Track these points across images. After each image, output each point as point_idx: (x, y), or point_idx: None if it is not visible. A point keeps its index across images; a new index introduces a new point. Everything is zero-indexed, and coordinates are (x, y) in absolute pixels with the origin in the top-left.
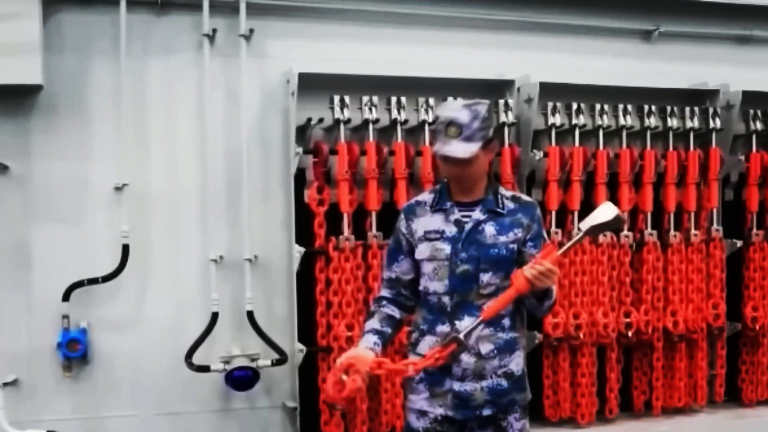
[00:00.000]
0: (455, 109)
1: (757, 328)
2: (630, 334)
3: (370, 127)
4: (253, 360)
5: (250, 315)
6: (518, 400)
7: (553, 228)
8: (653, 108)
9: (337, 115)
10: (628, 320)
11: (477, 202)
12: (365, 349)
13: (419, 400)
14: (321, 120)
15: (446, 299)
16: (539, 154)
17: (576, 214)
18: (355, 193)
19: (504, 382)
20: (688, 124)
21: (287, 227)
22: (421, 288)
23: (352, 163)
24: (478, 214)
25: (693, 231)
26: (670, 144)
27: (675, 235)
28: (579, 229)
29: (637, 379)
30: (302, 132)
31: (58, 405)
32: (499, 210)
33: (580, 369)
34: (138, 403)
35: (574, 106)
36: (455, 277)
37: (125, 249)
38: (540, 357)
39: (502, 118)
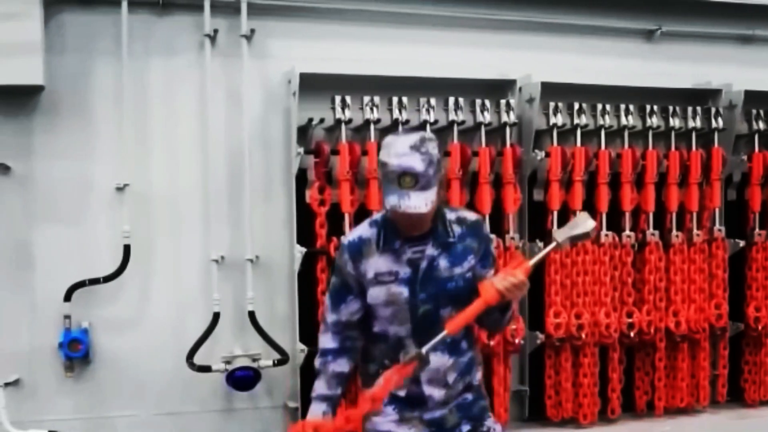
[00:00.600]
0: (405, 154)
1: (760, 328)
2: (632, 334)
3: (372, 127)
4: (254, 360)
5: (252, 315)
6: (484, 403)
7: (555, 228)
8: (655, 108)
9: (339, 115)
10: (630, 320)
11: (426, 236)
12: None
13: (386, 422)
14: (322, 120)
15: (409, 341)
16: (541, 154)
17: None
18: (357, 194)
19: (468, 395)
20: (690, 124)
21: (288, 227)
22: (377, 330)
23: (354, 163)
24: (431, 250)
25: (695, 231)
26: (672, 144)
27: (677, 235)
28: (554, 239)
29: (639, 380)
30: (304, 132)
31: (59, 405)
32: (450, 240)
33: (582, 369)
34: (139, 403)
35: (576, 106)
36: (417, 319)
37: (126, 249)
38: (542, 357)
39: (504, 118)
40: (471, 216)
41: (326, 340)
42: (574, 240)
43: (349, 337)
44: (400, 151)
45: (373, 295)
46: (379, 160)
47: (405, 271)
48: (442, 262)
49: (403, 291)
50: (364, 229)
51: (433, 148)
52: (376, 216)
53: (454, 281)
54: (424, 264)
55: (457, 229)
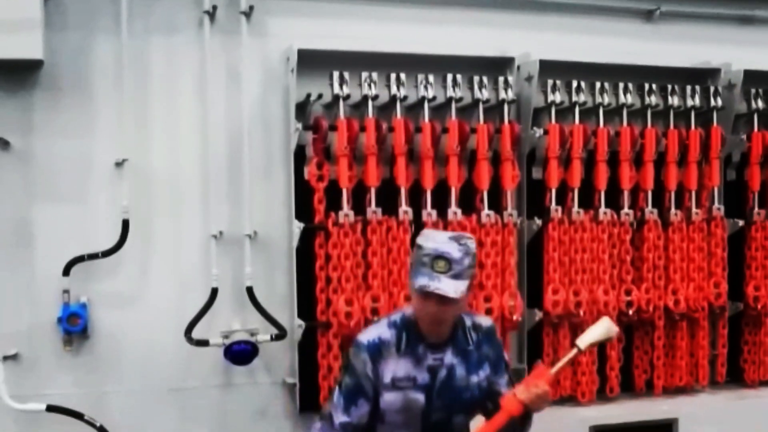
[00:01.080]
0: (443, 242)
1: (759, 307)
2: (631, 312)
3: (370, 103)
4: (252, 335)
5: (250, 291)
6: None
7: (553, 206)
8: (654, 87)
9: (337, 91)
10: (629, 298)
11: (447, 342)
12: None
13: None
14: (320, 96)
15: None
16: (539, 132)
17: (576, 191)
18: (355, 170)
19: None
20: (689, 102)
21: (287, 203)
22: None
23: (352, 139)
24: (450, 358)
25: (694, 209)
26: (671, 122)
27: (676, 214)
28: (576, 346)
29: (638, 358)
30: (302, 109)
31: (58, 380)
32: (469, 348)
33: None
34: (138, 379)
35: (575, 84)
36: (428, 427)
37: (125, 224)
38: (540, 335)
39: (502, 95)
40: (485, 322)
41: None
42: (596, 345)
43: None
44: (438, 239)
45: (388, 400)
46: (416, 243)
47: (423, 378)
48: (459, 371)
49: (420, 398)
50: (383, 330)
51: (471, 243)
52: (394, 317)
53: (470, 390)
54: (443, 372)
55: (473, 336)
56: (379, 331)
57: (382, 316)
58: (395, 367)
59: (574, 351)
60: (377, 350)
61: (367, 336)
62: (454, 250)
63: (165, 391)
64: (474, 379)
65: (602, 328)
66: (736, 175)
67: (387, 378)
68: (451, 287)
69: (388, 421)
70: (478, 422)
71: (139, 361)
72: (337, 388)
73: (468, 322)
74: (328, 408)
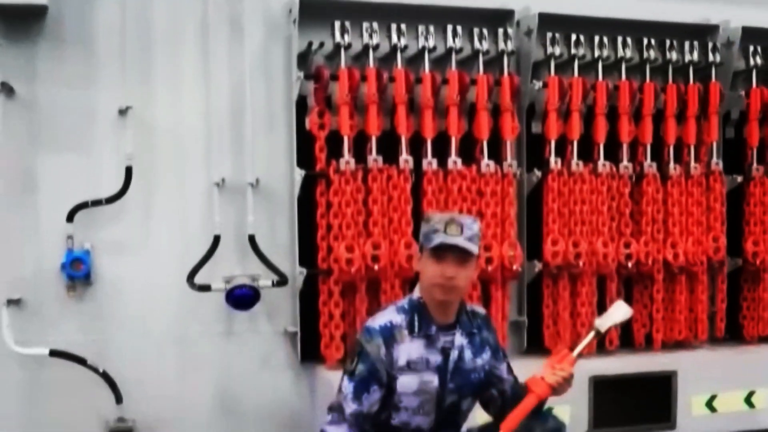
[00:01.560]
0: (452, 213)
1: (758, 262)
2: (630, 265)
3: (371, 53)
4: (254, 280)
5: (252, 239)
6: None
7: (553, 157)
8: (652, 41)
9: (338, 40)
10: (628, 251)
11: (455, 324)
12: None
13: None
14: (322, 45)
15: (429, 427)
16: (539, 85)
17: (575, 144)
18: (356, 119)
19: None
20: (688, 58)
21: (289, 152)
22: (396, 422)
23: (353, 88)
24: (459, 339)
25: (693, 164)
26: (670, 77)
27: (675, 168)
28: (596, 329)
29: (637, 312)
30: (304, 59)
31: (62, 326)
32: (473, 331)
33: (580, 298)
34: (141, 326)
35: (573, 37)
36: (442, 410)
37: (128, 171)
38: (540, 288)
39: (501, 46)
40: (481, 310)
41: (343, 431)
42: (612, 326)
43: (365, 431)
44: (447, 213)
45: (404, 383)
46: (424, 219)
47: (436, 359)
48: (467, 353)
49: (434, 380)
50: (392, 315)
51: (477, 221)
52: (401, 303)
53: (477, 373)
54: (455, 354)
55: (474, 321)
56: (388, 316)
57: (387, 304)
58: (409, 350)
59: (593, 333)
60: (390, 334)
61: (378, 321)
62: (464, 218)
63: (167, 339)
64: (479, 361)
65: (620, 312)
66: (735, 133)
67: (402, 361)
68: (467, 244)
69: (404, 406)
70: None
71: (142, 309)
72: (346, 377)
73: (468, 309)
74: (336, 399)
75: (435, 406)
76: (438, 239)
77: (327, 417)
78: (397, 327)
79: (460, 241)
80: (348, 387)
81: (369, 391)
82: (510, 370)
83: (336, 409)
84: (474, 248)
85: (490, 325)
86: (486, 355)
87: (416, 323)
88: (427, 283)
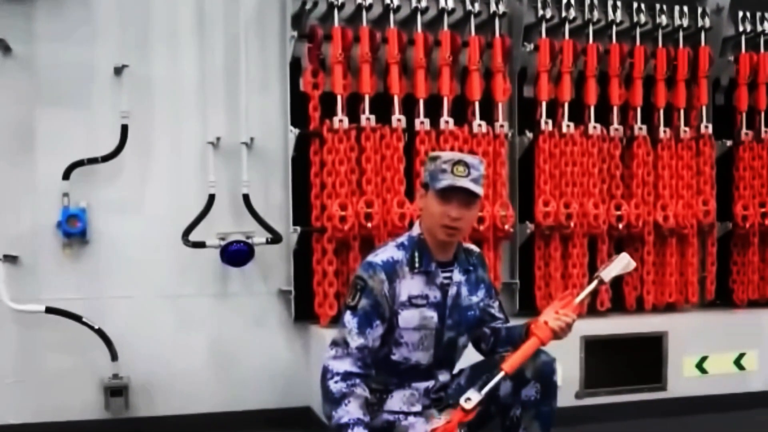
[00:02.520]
0: (458, 153)
1: (747, 226)
2: (620, 226)
3: (364, 13)
4: (248, 237)
5: (246, 198)
6: None
7: (544, 119)
8: (643, 5)
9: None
10: (618, 213)
11: (452, 262)
12: None
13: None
14: (315, 4)
15: (428, 368)
16: (530, 47)
17: (566, 106)
18: (349, 79)
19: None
20: (678, 22)
21: (283, 112)
22: (396, 358)
23: (346, 47)
24: (457, 276)
25: (683, 128)
26: (660, 41)
27: (665, 131)
28: (600, 277)
29: (628, 275)
30: (297, 20)
31: (58, 284)
32: (470, 268)
33: (572, 260)
34: (136, 285)
35: (564, 0)
36: (441, 347)
37: (124, 129)
38: (532, 249)
39: (493, 8)
40: (475, 248)
41: (348, 364)
42: (616, 276)
43: (368, 366)
44: (453, 152)
45: (406, 318)
46: (429, 158)
47: (435, 296)
48: (464, 290)
49: (434, 315)
50: (393, 251)
51: (483, 161)
52: (400, 240)
53: (473, 310)
54: (453, 290)
55: (470, 259)
56: (389, 252)
57: (387, 241)
58: (410, 285)
59: (596, 282)
60: (393, 269)
61: (380, 257)
62: (470, 158)
63: (162, 298)
64: (474, 299)
65: (623, 262)
66: (725, 99)
67: (404, 296)
68: (473, 186)
69: (404, 341)
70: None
71: (137, 268)
72: (348, 312)
73: (464, 246)
74: (339, 334)
75: (434, 341)
76: (445, 180)
77: (330, 352)
78: (398, 262)
79: (467, 183)
80: (351, 321)
81: (372, 326)
82: (501, 308)
83: (339, 343)
84: (480, 190)
85: (484, 264)
86: (481, 293)
87: (416, 259)
88: (431, 223)
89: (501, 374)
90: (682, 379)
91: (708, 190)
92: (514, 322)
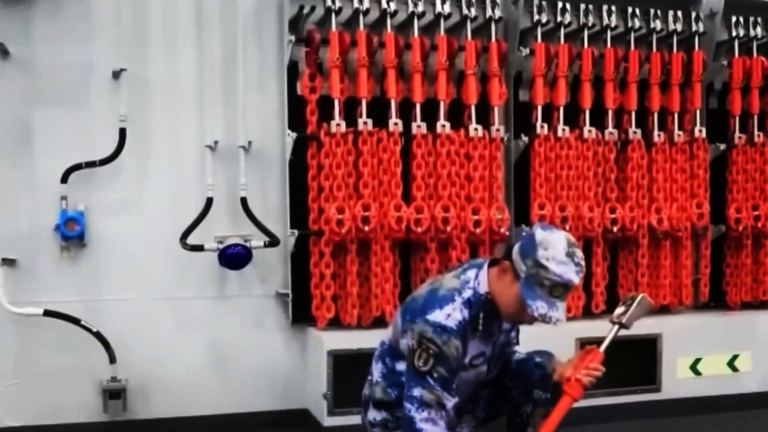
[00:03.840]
0: (563, 262)
1: (741, 229)
2: (615, 229)
3: (361, 18)
4: (246, 240)
5: (244, 201)
6: None
7: (539, 123)
8: (637, 10)
9: (329, 4)
10: (613, 216)
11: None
12: None
13: None
14: (313, 9)
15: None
16: (526, 51)
17: (561, 110)
18: (346, 82)
19: None
20: (672, 27)
21: (280, 116)
22: None
23: (344, 51)
24: (505, 324)
25: (677, 131)
26: (654, 46)
27: (659, 135)
28: (622, 324)
29: (622, 277)
30: (295, 24)
31: (56, 287)
32: None
33: None
34: (134, 287)
35: (560, 5)
36: (474, 390)
37: (122, 133)
38: None
39: (489, 13)
40: None
41: (442, 428)
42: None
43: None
44: (559, 258)
45: (463, 377)
46: (535, 260)
47: (489, 350)
48: (502, 338)
49: (485, 369)
50: (461, 310)
51: (581, 256)
52: (466, 295)
53: (505, 357)
54: (501, 338)
55: None
56: (458, 313)
57: (450, 290)
58: (473, 347)
59: (617, 328)
60: (465, 333)
61: (451, 320)
62: (575, 277)
63: (160, 301)
64: (507, 348)
65: (643, 306)
66: (718, 103)
67: (467, 358)
68: (564, 312)
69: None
70: None
71: (135, 271)
72: (427, 377)
73: None
74: (431, 395)
75: (474, 387)
76: (540, 308)
77: (421, 413)
78: (468, 324)
79: (560, 314)
80: (436, 386)
81: (452, 388)
82: (518, 332)
83: (433, 405)
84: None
85: None
86: (513, 338)
87: (480, 322)
88: (511, 308)
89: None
90: (676, 380)
91: (702, 194)
92: (519, 350)
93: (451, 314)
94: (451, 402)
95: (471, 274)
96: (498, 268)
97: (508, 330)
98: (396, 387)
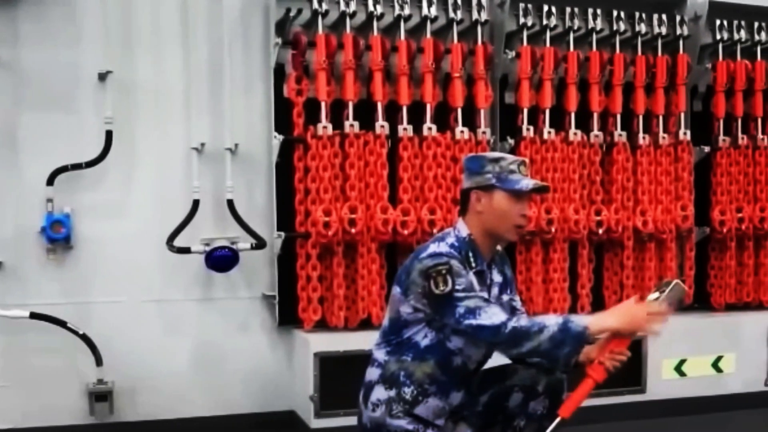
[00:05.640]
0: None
1: (725, 231)
2: (600, 231)
3: (347, 20)
4: (233, 243)
5: (230, 204)
6: None
7: (525, 125)
8: (622, 14)
9: (315, 6)
10: (598, 218)
11: (491, 262)
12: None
13: None
14: (300, 11)
15: (473, 366)
16: (512, 54)
17: (547, 113)
18: (333, 85)
19: None
20: (656, 30)
21: (267, 118)
22: (450, 346)
23: (330, 54)
24: (496, 277)
25: (662, 134)
26: (639, 49)
27: (644, 138)
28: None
29: (608, 279)
30: (282, 27)
31: (42, 290)
32: (504, 269)
33: (552, 264)
34: (121, 290)
35: (545, 8)
36: (489, 345)
37: (108, 135)
38: (513, 252)
39: (475, 16)
40: (500, 247)
41: (500, 312)
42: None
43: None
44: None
45: None
46: (489, 159)
47: (486, 295)
48: (497, 290)
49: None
50: (449, 246)
51: None
52: (449, 240)
53: (505, 309)
54: (495, 290)
55: (503, 259)
56: (448, 247)
57: (432, 242)
58: (474, 282)
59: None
60: (460, 257)
61: (443, 247)
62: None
63: (146, 303)
64: (505, 297)
65: (678, 291)
66: (703, 106)
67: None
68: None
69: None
70: None
71: (122, 272)
72: (455, 294)
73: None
74: (473, 303)
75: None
76: (523, 183)
77: (479, 318)
78: (459, 253)
79: (539, 182)
80: (469, 294)
81: (479, 291)
82: (522, 301)
83: (482, 305)
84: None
85: (508, 261)
86: (510, 292)
87: (471, 259)
88: (499, 224)
89: (558, 419)
90: (661, 381)
91: (686, 196)
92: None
93: (441, 245)
94: (482, 298)
95: (448, 230)
96: (469, 208)
97: (501, 283)
98: (410, 350)
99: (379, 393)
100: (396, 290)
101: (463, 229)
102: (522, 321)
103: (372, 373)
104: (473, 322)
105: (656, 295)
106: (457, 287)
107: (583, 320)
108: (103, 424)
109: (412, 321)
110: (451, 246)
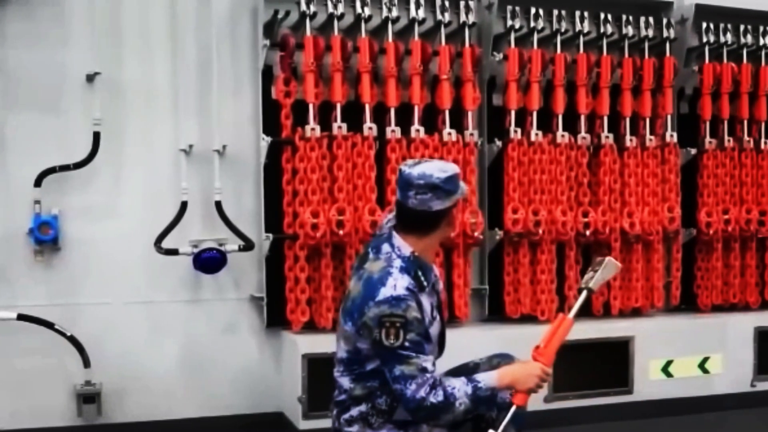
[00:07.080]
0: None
1: (711, 232)
2: (588, 233)
3: (335, 22)
4: (220, 245)
5: (218, 205)
6: None
7: (513, 127)
8: (609, 17)
9: (303, 8)
10: (586, 220)
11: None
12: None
13: None
14: (288, 13)
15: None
16: (499, 56)
17: (535, 115)
18: (321, 87)
19: None
20: (643, 33)
21: (255, 120)
22: None
23: (318, 56)
24: (436, 274)
25: (648, 136)
26: (626, 52)
27: (631, 140)
28: (587, 287)
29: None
30: (270, 28)
31: (30, 292)
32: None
33: (540, 266)
34: (108, 291)
35: (533, 11)
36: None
37: (96, 137)
38: (501, 254)
39: (463, 18)
40: None
41: (430, 384)
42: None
43: None
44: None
45: (433, 333)
46: (457, 175)
47: (434, 301)
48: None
49: (438, 317)
50: (402, 278)
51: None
52: (396, 263)
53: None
54: (439, 287)
55: None
56: (400, 280)
57: (381, 269)
58: (426, 303)
59: (586, 293)
60: (416, 294)
61: (399, 288)
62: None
63: (134, 304)
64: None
65: (609, 268)
66: (689, 108)
67: (427, 317)
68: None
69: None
70: None
71: (109, 274)
72: (399, 351)
73: None
74: (412, 367)
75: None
76: (463, 186)
77: (409, 387)
78: (415, 287)
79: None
80: (411, 355)
81: (426, 348)
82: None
83: (416, 375)
84: None
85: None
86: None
87: (422, 279)
88: (451, 233)
89: (513, 408)
90: (648, 382)
91: (673, 198)
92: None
93: (397, 284)
94: (429, 361)
95: (386, 248)
96: (439, 228)
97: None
98: (375, 379)
99: (353, 411)
100: (348, 326)
101: (403, 247)
102: (439, 395)
103: (340, 395)
104: (401, 388)
105: (590, 274)
106: (405, 344)
107: (490, 380)
108: (91, 425)
109: (374, 355)
110: (401, 271)
